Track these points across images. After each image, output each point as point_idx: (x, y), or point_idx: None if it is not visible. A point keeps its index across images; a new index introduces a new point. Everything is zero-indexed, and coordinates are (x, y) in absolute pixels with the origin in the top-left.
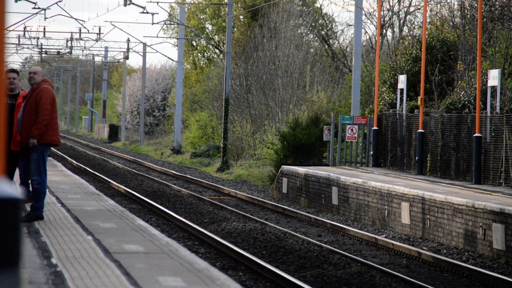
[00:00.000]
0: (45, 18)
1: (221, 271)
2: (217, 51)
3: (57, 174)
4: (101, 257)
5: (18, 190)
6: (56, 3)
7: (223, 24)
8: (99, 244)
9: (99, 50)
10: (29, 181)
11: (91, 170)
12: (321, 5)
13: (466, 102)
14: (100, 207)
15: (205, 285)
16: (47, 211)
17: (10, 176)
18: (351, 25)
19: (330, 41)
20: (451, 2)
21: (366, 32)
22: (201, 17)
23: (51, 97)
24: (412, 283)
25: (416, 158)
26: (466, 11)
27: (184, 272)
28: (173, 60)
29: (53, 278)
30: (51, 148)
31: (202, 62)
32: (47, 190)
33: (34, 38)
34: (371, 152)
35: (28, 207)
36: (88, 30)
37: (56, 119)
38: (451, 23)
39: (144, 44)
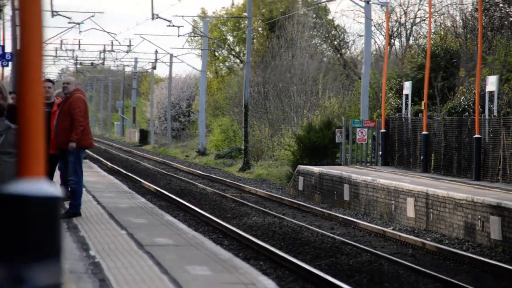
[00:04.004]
0: (80, 31)
1: (244, 261)
2: (237, 60)
3: (93, 174)
4: (135, 249)
5: (58, 189)
6: (90, 17)
7: (243, 35)
8: (132, 237)
9: (129, 61)
10: (67, 181)
11: (123, 171)
12: (333, 18)
13: (466, 106)
14: (132, 204)
15: (229, 273)
16: (84, 208)
17: (50, 177)
18: (361, 36)
19: (342, 50)
20: (454, 13)
21: (375, 42)
22: (223, 29)
23: (83, 104)
24: (417, 270)
25: (421, 157)
26: (467, 21)
27: (210, 262)
28: (197, 70)
29: (92, 268)
30: (86, 150)
31: (223, 71)
32: (84, 189)
33: (70, 50)
34: (380, 153)
35: (67, 205)
36: (119, 43)
37: (88, 124)
38: (454, 33)
39: (171, 55)
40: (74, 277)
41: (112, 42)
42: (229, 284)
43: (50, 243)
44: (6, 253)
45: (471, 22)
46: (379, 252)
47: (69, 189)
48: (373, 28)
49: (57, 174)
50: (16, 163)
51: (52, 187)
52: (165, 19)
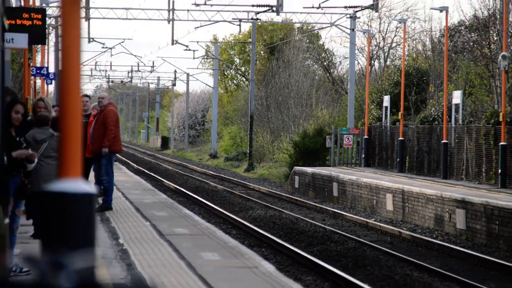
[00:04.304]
0: (111, 55)
1: (248, 248)
2: (243, 78)
3: (122, 175)
4: (157, 238)
5: (93, 187)
6: (120, 43)
7: (248, 58)
8: (154, 228)
9: (153, 79)
10: (101, 180)
11: (147, 172)
12: (323, 43)
13: (436, 116)
14: (155, 200)
15: (236, 258)
16: (114, 203)
17: (86, 177)
18: (347, 58)
19: (331, 70)
20: (424, 39)
21: (358, 63)
22: (231, 52)
23: (115, 116)
24: (394, 255)
25: (398, 159)
26: (435, 46)
27: (220, 249)
28: (210, 86)
29: (120, 254)
30: (117, 154)
31: (232, 87)
32: (115, 187)
33: (103, 70)
34: (363, 155)
35: (100, 200)
36: (144, 64)
37: (119, 132)
38: (424, 55)
39: (187, 74)
40: (105, 262)
41: (138, 64)
42: (236, 268)
43: (86, 233)
44: (50, 241)
45: (438, 46)
46: (362, 240)
47: (102, 187)
48: (356, 51)
49: (92, 174)
50: (58, 166)
51: (88, 186)
52: (183, 44)
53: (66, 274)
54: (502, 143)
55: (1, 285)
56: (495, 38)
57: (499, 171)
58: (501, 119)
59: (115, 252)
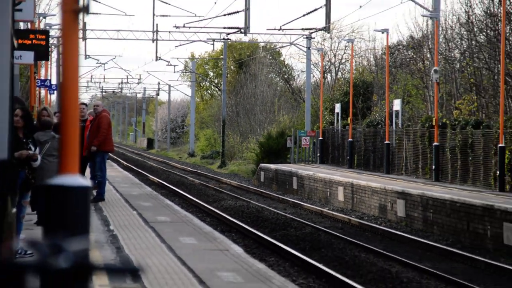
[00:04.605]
0: (104, 69)
1: (221, 233)
2: (216, 89)
3: (113, 171)
4: (142, 224)
5: (88, 181)
6: (112, 59)
7: (220, 71)
8: (140, 216)
9: (140, 90)
10: (95, 176)
11: (135, 168)
12: (284, 59)
13: (380, 121)
14: (141, 192)
15: (210, 242)
16: (107, 195)
17: (83, 173)
18: (304, 72)
19: (290, 82)
20: (368, 56)
21: (313, 76)
22: (206, 67)
23: (107, 121)
24: (345, 239)
25: (347, 157)
26: (378, 61)
27: (196, 234)
28: (188, 96)
29: (111, 238)
30: (109, 154)
31: (207, 97)
32: (107, 181)
33: (98, 82)
34: (318, 154)
35: (94, 192)
36: (132, 77)
37: (111, 135)
38: (369, 70)
39: (169, 86)
40: (98, 245)
41: (127, 77)
42: (209, 250)
43: (81, 220)
44: (51, 227)
45: (380, 62)
46: (318, 226)
47: (96, 181)
48: (312, 66)
49: (87, 170)
50: (58, 163)
51: (84, 180)
52: (165, 60)
53: (64, 256)
54: (435, 143)
55: (9, 265)
56: (428, 55)
57: (433, 167)
58: (434, 123)
59: (106, 237)
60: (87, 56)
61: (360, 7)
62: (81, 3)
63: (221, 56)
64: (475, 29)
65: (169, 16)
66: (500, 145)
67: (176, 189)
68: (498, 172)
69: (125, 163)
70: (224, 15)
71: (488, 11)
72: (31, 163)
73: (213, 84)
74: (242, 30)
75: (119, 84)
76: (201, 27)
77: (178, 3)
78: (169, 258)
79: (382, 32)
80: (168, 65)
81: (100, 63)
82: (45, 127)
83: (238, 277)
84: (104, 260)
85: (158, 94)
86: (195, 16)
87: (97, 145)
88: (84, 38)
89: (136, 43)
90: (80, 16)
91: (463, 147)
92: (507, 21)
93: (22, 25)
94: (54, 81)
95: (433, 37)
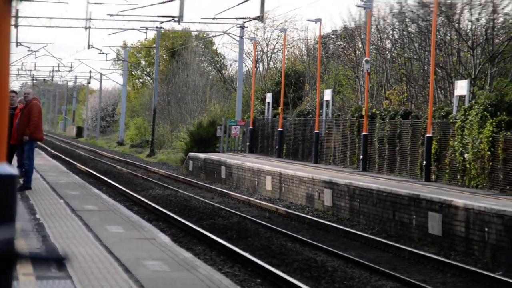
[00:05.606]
0: (36, 57)
1: (148, 222)
2: (148, 78)
3: (41, 159)
4: (69, 213)
5: (15, 170)
6: (43, 47)
7: (152, 60)
8: (67, 205)
9: (71, 78)
10: (22, 164)
11: (63, 156)
12: (216, 48)
13: (310, 110)
14: (69, 180)
15: (137, 231)
16: (34, 184)
17: (9, 161)
18: (236, 61)
19: (223, 71)
20: (301, 46)
21: (246, 65)
22: (138, 56)
23: (38, 109)
24: (272, 228)
25: (276, 147)
26: (310, 51)
27: (123, 223)
28: (119, 84)
29: (37, 227)
30: (38, 142)
31: (138, 85)
32: (34, 170)
33: (28, 70)
34: (248, 143)
35: (21, 181)
36: (64, 65)
37: (41, 123)
38: (300, 59)
39: (101, 74)
40: (24, 234)
41: (58, 65)
42: (136, 239)
43: (8, 208)
44: None
45: (312, 52)
46: (245, 215)
47: (23, 169)
48: (244, 55)
49: (15, 159)
50: None
51: (11, 168)
52: (97, 48)
53: None
54: (364, 133)
55: None
56: (360, 46)
57: (361, 157)
58: (363, 113)
59: (32, 226)
60: (18, 44)
61: None
62: None
63: (154, 45)
64: (407, 20)
65: (103, 4)
66: (427, 135)
67: (104, 178)
68: (424, 162)
69: (53, 151)
70: (159, 3)
71: (421, 1)
72: None
73: (145, 73)
74: (176, 19)
75: (50, 72)
76: (135, 16)
77: None
78: (96, 247)
79: (315, 22)
80: (100, 53)
81: (32, 50)
82: None
83: (164, 266)
84: (29, 248)
85: (89, 83)
86: (130, 4)
87: (29, 134)
88: (16, 25)
89: (69, 31)
90: (13, 3)
91: (391, 137)
92: (438, 11)
93: None
94: None
95: (365, 28)
